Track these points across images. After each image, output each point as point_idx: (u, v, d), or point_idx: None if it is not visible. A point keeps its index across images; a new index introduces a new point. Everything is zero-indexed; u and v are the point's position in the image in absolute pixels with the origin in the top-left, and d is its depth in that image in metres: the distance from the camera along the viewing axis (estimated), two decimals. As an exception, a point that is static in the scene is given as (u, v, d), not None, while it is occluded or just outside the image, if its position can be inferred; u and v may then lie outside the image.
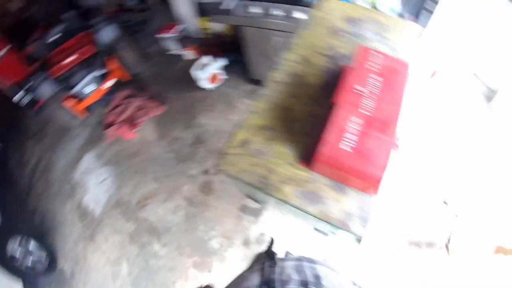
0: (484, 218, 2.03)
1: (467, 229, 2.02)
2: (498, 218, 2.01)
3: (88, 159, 2.91)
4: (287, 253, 0.90)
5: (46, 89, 2.84)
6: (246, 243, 2.27)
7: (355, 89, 0.87)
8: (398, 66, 0.94)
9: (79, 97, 2.93)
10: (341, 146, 0.80)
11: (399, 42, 1.21)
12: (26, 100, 2.97)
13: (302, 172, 0.91)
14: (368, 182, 0.81)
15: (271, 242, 0.98)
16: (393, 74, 0.92)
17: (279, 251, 0.86)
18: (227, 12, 2.28)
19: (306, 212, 0.87)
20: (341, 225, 0.84)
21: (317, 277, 0.60)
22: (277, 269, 0.65)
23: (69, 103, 2.91)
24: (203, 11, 2.49)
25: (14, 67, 2.91)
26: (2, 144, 3.06)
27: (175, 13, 3.22)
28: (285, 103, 1.07)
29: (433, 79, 2.70)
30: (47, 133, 3.22)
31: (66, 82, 2.84)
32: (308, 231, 1.90)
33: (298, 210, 0.89)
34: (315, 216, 0.87)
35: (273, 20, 2.13)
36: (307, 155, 0.91)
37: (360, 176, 0.80)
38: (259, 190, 0.93)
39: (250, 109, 1.07)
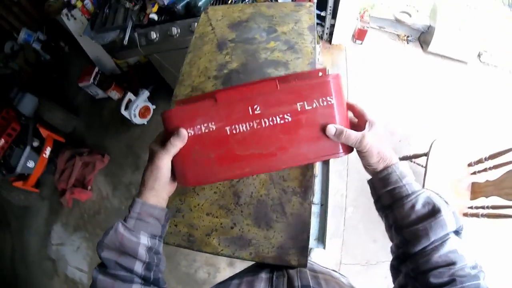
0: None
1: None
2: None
3: (57, 231, 2.88)
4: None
5: (-10, 178, 2.78)
6: (231, 263, 2.32)
7: None
8: None
9: (25, 175, 2.88)
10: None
11: (292, 31, 1.13)
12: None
13: (222, 220, 0.86)
14: None
15: None
16: None
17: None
18: (131, 46, 2.19)
19: (240, 258, 0.83)
20: (279, 262, 0.80)
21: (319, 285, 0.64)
22: (284, 279, 0.67)
23: (18, 184, 2.85)
24: (110, 50, 2.39)
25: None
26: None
27: (90, 56, 3.13)
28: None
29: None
30: (11, 217, 3.16)
31: (6, 165, 2.78)
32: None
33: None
34: (251, 260, 0.83)
35: (179, 39, 2.04)
36: None
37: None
38: (188, 249, 0.88)
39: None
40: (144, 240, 0.61)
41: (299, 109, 0.60)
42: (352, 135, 0.57)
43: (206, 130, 0.62)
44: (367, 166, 0.61)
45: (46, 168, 2.95)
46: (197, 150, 0.64)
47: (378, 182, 0.59)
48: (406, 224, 0.54)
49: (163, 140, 0.63)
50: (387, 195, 0.57)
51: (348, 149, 0.63)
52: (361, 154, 0.60)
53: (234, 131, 0.62)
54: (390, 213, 0.57)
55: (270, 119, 0.61)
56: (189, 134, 0.62)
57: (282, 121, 0.60)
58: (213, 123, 0.62)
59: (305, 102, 0.60)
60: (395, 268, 0.58)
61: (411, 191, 0.54)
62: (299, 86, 0.60)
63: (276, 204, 0.83)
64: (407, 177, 0.56)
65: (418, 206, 0.53)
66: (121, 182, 2.83)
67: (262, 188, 0.85)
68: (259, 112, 0.61)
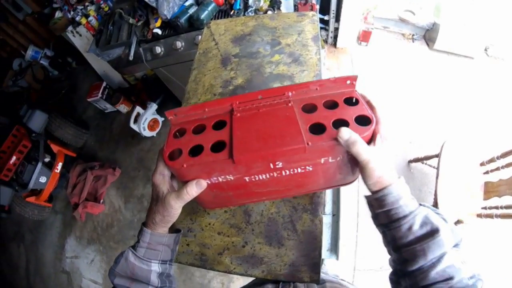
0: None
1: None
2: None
3: (71, 244, 2.92)
4: None
5: (5, 195, 2.82)
6: (243, 272, 2.32)
7: None
8: None
9: (38, 190, 2.93)
10: None
11: (296, 42, 1.11)
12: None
13: (233, 238, 0.86)
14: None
15: None
16: None
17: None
18: (136, 61, 2.20)
19: (253, 276, 0.83)
20: (292, 279, 0.78)
21: None
22: None
23: (31, 199, 2.90)
24: (116, 66, 2.42)
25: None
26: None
27: (97, 70, 3.17)
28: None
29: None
30: (25, 231, 3.22)
31: (19, 182, 2.82)
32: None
33: None
34: (264, 278, 0.82)
35: (183, 52, 2.06)
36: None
37: None
38: (201, 268, 0.88)
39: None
40: (155, 267, 0.61)
41: (322, 162, 0.56)
42: (364, 154, 0.51)
43: (224, 180, 0.58)
44: (363, 180, 0.57)
45: (58, 183, 3.00)
46: (215, 192, 0.61)
47: (374, 201, 0.57)
48: (404, 244, 0.53)
49: (167, 172, 0.59)
50: (383, 215, 0.56)
51: (355, 176, 0.64)
52: (361, 171, 0.56)
53: (253, 179, 0.58)
54: (387, 231, 0.56)
55: (291, 170, 0.56)
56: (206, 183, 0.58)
57: (302, 170, 0.57)
58: (231, 176, 0.56)
59: (330, 157, 0.55)
60: (395, 282, 0.58)
61: (409, 212, 0.53)
62: (328, 146, 0.52)
63: (286, 222, 0.83)
64: (404, 197, 0.54)
65: (416, 227, 0.52)
66: (133, 194, 2.85)
67: (273, 206, 0.85)
68: (280, 166, 0.55)
